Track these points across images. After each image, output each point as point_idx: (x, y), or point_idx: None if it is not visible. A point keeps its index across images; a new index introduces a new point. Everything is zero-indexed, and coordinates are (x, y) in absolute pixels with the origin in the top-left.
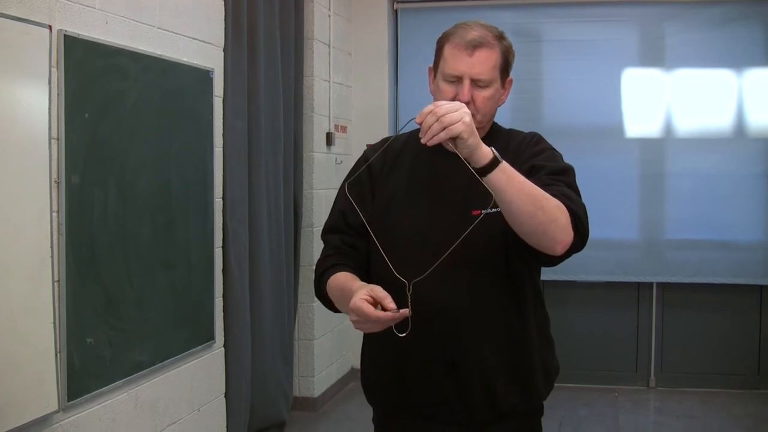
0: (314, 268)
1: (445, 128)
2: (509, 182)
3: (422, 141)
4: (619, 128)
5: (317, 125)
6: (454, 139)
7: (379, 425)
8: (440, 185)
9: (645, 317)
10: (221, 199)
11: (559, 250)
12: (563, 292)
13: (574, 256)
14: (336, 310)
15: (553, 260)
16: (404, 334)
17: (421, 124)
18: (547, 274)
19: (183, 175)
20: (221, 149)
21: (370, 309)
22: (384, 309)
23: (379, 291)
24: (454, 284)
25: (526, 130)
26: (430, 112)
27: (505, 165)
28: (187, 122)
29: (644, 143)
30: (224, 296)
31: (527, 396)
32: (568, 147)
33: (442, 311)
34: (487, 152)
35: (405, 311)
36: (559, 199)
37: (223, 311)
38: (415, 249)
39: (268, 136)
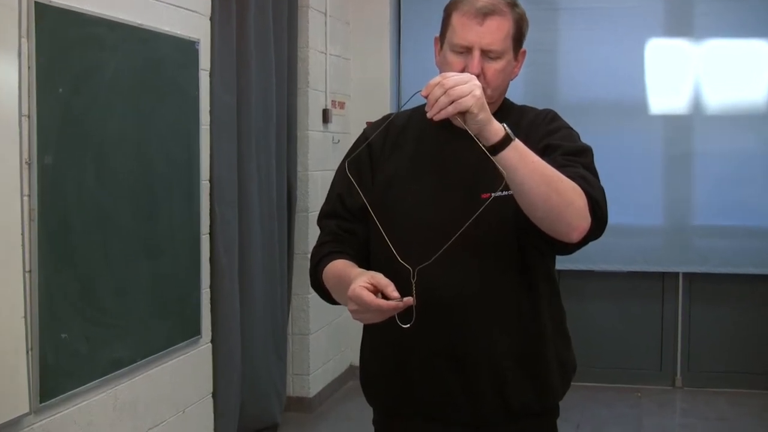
0: (309, 256)
1: (453, 101)
2: (522, 161)
3: (428, 115)
4: (642, 104)
5: (313, 101)
6: (463, 113)
7: (380, 427)
8: (447, 164)
9: (670, 310)
10: (208, 181)
11: (575, 236)
12: (581, 283)
13: (592, 243)
14: (333, 302)
15: (569, 248)
16: (408, 325)
17: (427, 97)
18: (563, 263)
19: (166, 155)
20: (208, 127)
21: (370, 297)
22: (386, 297)
23: (380, 278)
24: (461, 272)
25: (540, 107)
26: (438, 84)
27: (517, 143)
28: (170, 97)
29: (670, 120)
30: (211, 287)
31: (541, 394)
32: (586, 125)
33: (449, 300)
34: (498, 129)
35: (409, 300)
36: (575, 182)
37: (211, 303)
38: (419, 234)
39: (259, 113)
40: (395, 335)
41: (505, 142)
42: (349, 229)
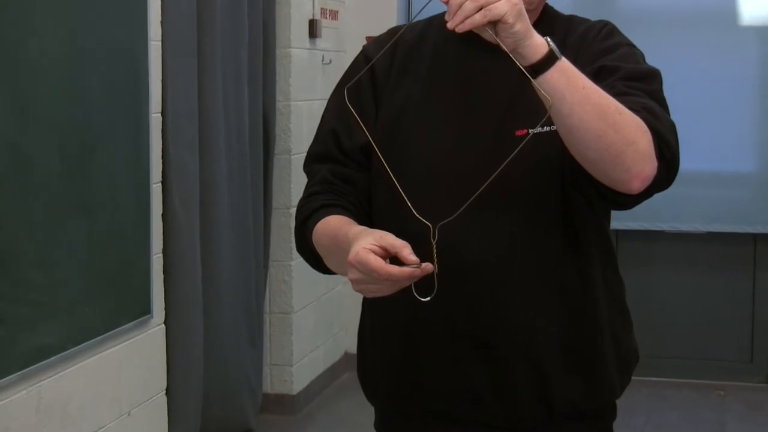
0: (294, 211)
1: (482, 7)
2: (570, 87)
3: (449, 26)
4: (729, 12)
5: (296, 9)
6: (494, 23)
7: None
8: (472, 92)
9: (764, 284)
10: (159, 115)
11: (637, 185)
12: (645, 247)
13: (659, 195)
14: (326, 270)
15: (629, 200)
16: (428, 298)
17: (447, 3)
18: (621, 220)
19: (104, 82)
20: (159, 43)
21: (379, 262)
22: (397, 263)
23: (391, 238)
24: (488, 233)
25: (592, 18)
26: None
27: (564, 63)
28: (109, 6)
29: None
30: (165, 252)
31: (593, 390)
32: (653, 42)
33: (474, 268)
34: (540, 44)
35: (428, 266)
36: (638, 114)
37: (164, 273)
38: (436, 182)
39: (226, 25)
40: (405, 313)
41: (549, 60)
42: (345, 177)
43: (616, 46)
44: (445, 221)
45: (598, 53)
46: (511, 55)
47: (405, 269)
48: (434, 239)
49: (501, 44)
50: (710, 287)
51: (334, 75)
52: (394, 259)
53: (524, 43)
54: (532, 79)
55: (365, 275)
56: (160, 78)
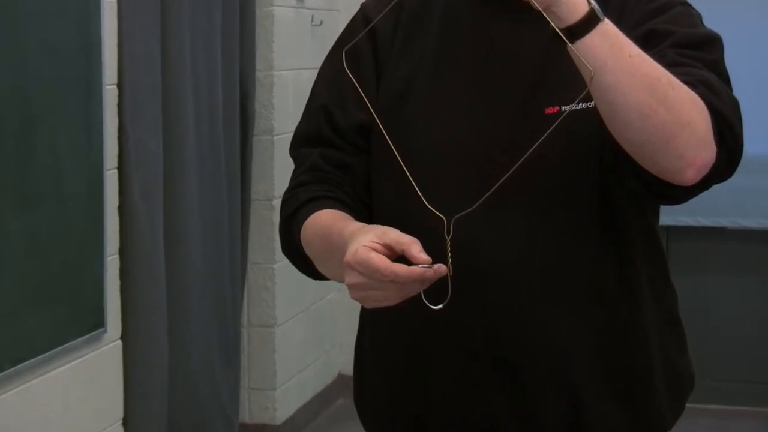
0: (278, 203)
1: None
2: (614, 54)
3: None
4: None
5: None
6: None
7: None
8: (492, 62)
9: None
10: (115, 87)
11: (692, 174)
12: (702, 247)
13: (719, 186)
14: (317, 275)
15: (682, 193)
16: (440, 306)
17: None
18: (672, 215)
19: (48, 47)
20: (114, 0)
21: (383, 261)
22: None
23: (396, 234)
24: (514, 228)
25: None
26: None
27: (608, 25)
28: None
29: None
30: (122, 253)
31: (639, 421)
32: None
33: (495, 272)
34: (579, 2)
35: (441, 268)
36: (695, 90)
37: (120, 278)
38: (450, 168)
39: None
40: (412, 326)
41: (590, 22)
42: (340, 162)
43: (669, 5)
44: (461, 214)
45: (646, 14)
46: (544, 14)
47: (414, 269)
48: (449, 235)
49: (532, 1)
50: None
51: (326, 39)
52: (400, 260)
53: (560, 0)
54: (569, 44)
55: (366, 278)
56: (116, 42)
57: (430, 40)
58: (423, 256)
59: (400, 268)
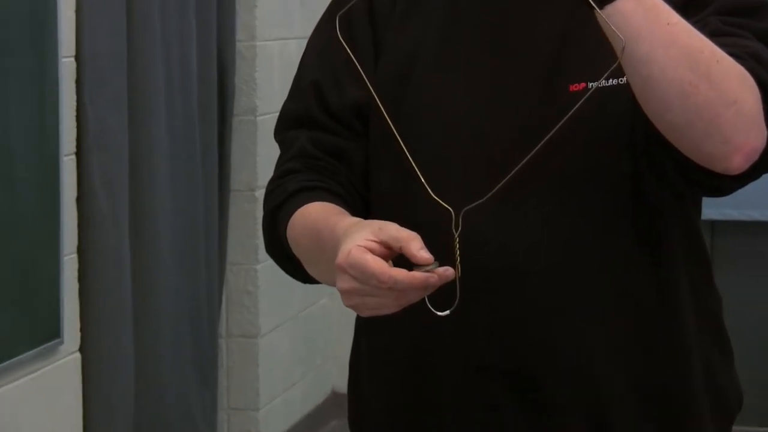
0: (261, 194)
1: None
2: (650, 22)
3: None
4: None
5: None
6: None
7: None
8: (508, 32)
9: None
10: (73, 59)
11: (739, 161)
12: (749, 245)
13: None
14: (306, 277)
15: (727, 183)
16: (447, 312)
17: None
18: (715, 207)
19: None
20: None
21: (379, 264)
22: (406, 265)
23: (393, 228)
24: (533, 223)
25: None
26: None
27: None
28: None
29: None
30: (81, 252)
31: None
32: None
33: (509, 272)
34: None
35: (446, 271)
36: (742, 63)
37: (79, 281)
38: (457, 154)
39: None
40: (414, 336)
41: None
42: (332, 147)
43: None
44: (472, 205)
45: None
46: None
47: (416, 274)
48: (457, 230)
49: None
50: None
51: (317, 5)
52: (401, 261)
53: None
54: (597, 10)
55: (361, 284)
56: (74, 8)
57: (436, 7)
58: (424, 254)
59: (400, 273)
